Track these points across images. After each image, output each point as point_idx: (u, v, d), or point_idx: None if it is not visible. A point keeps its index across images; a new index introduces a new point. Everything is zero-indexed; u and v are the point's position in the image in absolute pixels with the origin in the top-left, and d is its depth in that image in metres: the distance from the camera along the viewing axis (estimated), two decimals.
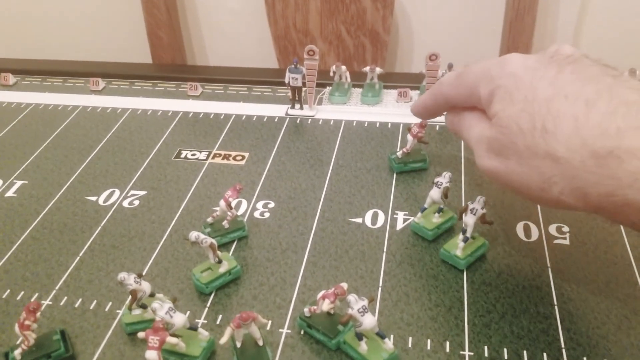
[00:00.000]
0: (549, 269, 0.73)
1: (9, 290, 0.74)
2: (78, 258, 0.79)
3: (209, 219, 0.81)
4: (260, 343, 0.63)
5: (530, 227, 0.80)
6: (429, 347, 0.64)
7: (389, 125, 1.06)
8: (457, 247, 0.73)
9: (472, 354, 0.63)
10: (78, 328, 0.68)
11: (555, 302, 0.69)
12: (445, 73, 1.01)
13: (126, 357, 0.65)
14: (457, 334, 0.65)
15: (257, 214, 0.85)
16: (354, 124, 1.07)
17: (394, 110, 1.12)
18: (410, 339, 0.65)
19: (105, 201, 0.89)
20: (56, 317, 0.70)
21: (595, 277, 0.72)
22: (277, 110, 1.13)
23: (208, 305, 0.71)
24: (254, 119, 1.10)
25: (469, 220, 0.73)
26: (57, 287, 0.74)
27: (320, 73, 1.10)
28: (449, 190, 0.79)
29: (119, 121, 1.11)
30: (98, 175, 0.95)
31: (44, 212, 0.88)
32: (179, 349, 0.62)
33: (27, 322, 0.62)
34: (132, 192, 0.91)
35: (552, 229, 0.79)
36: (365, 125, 1.07)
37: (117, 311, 0.70)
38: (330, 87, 1.17)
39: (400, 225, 0.82)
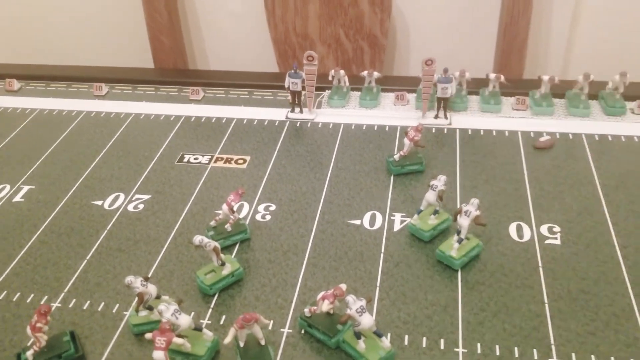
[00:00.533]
0: (540, 268, 0.76)
1: (19, 293, 0.77)
2: (85, 261, 0.81)
3: (212, 222, 0.84)
4: (263, 342, 0.65)
5: (522, 227, 0.83)
6: (424, 345, 0.67)
7: (387, 128, 1.09)
8: (452, 248, 0.76)
9: (465, 350, 0.66)
10: (87, 329, 0.71)
11: (546, 300, 0.71)
12: (441, 77, 1.04)
13: (134, 357, 0.67)
14: (451, 331, 0.68)
15: (258, 217, 0.88)
16: (353, 127, 1.10)
17: (391, 113, 1.14)
18: (406, 337, 0.68)
19: (110, 205, 0.92)
20: (65, 318, 0.73)
21: (585, 275, 0.75)
22: (278, 113, 1.16)
23: (212, 306, 0.73)
24: (255, 122, 1.13)
25: (463, 221, 0.75)
26: (65, 290, 0.77)
27: (320, 77, 1.13)
28: (444, 193, 0.81)
29: (123, 126, 1.14)
30: (103, 180, 0.98)
31: (52, 216, 0.90)
32: (184, 349, 0.64)
33: (38, 325, 0.65)
34: (137, 196, 0.94)
35: (544, 230, 0.82)
36: (364, 128, 1.09)
37: (125, 313, 0.73)
38: (330, 91, 1.20)
39: (397, 226, 0.85)
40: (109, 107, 1.22)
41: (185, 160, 1.02)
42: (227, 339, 0.63)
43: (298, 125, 1.12)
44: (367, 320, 0.63)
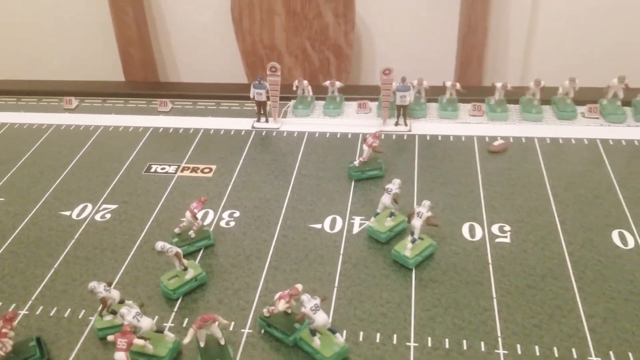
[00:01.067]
0: (490, 265, 0.79)
1: None
2: (53, 270, 0.83)
3: (177, 230, 0.86)
4: (222, 342, 0.68)
5: (475, 227, 0.87)
6: (377, 340, 0.70)
7: (349, 136, 1.12)
8: (406, 248, 0.80)
9: (417, 344, 0.69)
10: (53, 335, 0.73)
11: (495, 296, 0.75)
12: (399, 86, 1.08)
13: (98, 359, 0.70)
14: (404, 327, 0.71)
15: (223, 223, 0.91)
16: (317, 135, 1.13)
17: (354, 121, 1.18)
18: (361, 333, 0.71)
19: (78, 215, 0.94)
20: (33, 325, 0.75)
21: (532, 271, 0.79)
22: (244, 123, 1.19)
23: (175, 309, 0.76)
24: (222, 132, 1.16)
25: (416, 222, 0.79)
26: (33, 298, 0.79)
27: (285, 87, 1.16)
28: (399, 196, 0.85)
29: (92, 138, 1.16)
30: (72, 191, 1.00)
31: (20, 227, 0.92)
32: (146, 351, 0.67)
33: (4, 330, 0.67)
34: (104, 206, 0.96)
35: (495, 229, 0.86)
36: (327, 136, 1.13)
37: (90, 318, 0.75)
38: (295, 101, 1.23)
39: (356, 229, 0.88)
40: (78, 120, 1.24)
41: (153, 170, 1.05)
42: (187, 339, 0.66)
43: (264, 134, 1.15)
44: (321, 318, 0.66)
